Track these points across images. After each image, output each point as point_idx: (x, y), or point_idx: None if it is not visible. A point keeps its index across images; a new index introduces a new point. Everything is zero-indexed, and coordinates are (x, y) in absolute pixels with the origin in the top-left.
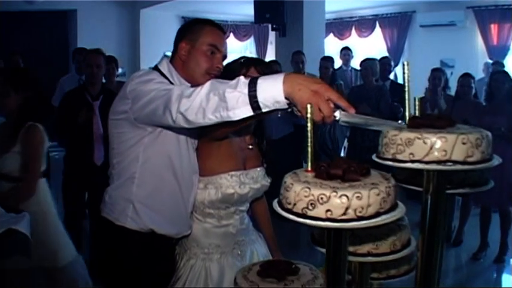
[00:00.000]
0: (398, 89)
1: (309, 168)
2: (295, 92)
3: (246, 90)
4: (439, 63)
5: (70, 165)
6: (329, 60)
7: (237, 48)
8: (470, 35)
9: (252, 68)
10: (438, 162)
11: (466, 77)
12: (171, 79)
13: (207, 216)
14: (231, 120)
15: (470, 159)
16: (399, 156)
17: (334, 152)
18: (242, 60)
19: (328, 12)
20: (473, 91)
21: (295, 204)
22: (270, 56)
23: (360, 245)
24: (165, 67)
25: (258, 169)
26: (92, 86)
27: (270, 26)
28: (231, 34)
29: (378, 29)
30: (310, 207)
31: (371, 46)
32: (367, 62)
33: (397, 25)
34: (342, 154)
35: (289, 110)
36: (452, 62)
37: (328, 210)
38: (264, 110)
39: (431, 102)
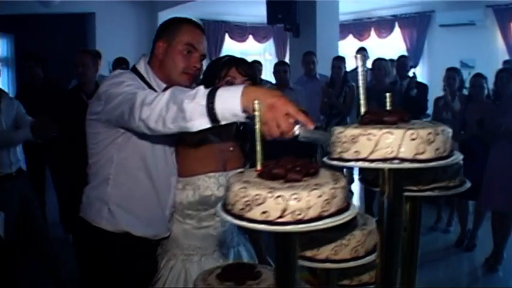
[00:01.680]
0: (419, 89)
1: (258, 168)
2: (252, 106)
3: (204, 102)
4: (459, 64)
5: (64, 163)
6: (341, 60)
7: (256, 50)
8: (490, 34)
9: (233, 69)
10: (384, 160)
11: (478, 77)
12: (148, 79)
13: (186, 217)
14: (189, 131)
15: (420, 157)
16: (345, 155)
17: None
18: (224, 60)
19: (346, 13)
20: (486, 91)
21: (233, 205)
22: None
23: (319, 250)
24: (142, 67)
25: (239, 171)
26: (84, 85)
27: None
28: (250, 36)
29: (397, 30)
30: (246, 208)
31: (390, 47)
32: (378, 62)
33: (416, 25)
34: None
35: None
36: (472, 62)
37: (264, 212)
38: (222, 123)
39: (445, 102)
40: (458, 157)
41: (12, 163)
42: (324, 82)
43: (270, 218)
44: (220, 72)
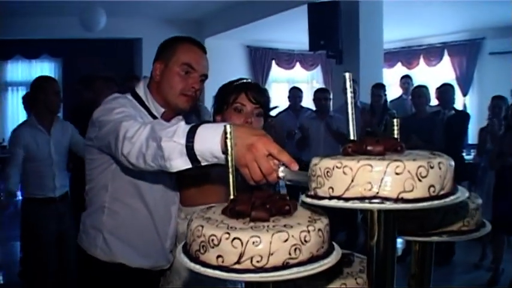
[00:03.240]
0: (461, 119)
1: (231, 196)
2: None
3: (183, 141)
4: (510, 92)
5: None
6: (381, 87)
7: (303, 77)
8: None
9: (243, 95)
10: (361, 198)
11: None
12: (147, 103)
13: None
14: (170, 171)
15: (407, 196)
16: (319, 192)
17: None
18: (234, 84)
19: (394, 40)
20: None
21: (190, 245)
22: None
23: None
24: (141, 90)
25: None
26: None
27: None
28: (297, 63)
29: (446, 58)
30: (201, 250)
31: (439, 75)
32: (418, 89)
33: (466, 53)
34: None
35: None
36: None
37: (219, 256)
38: (203, 164)
39: (490, 132)
40: (460, 196)
41: (57, 188)
42: (364, 110)
43: (226, 264)
44: (229, 97)
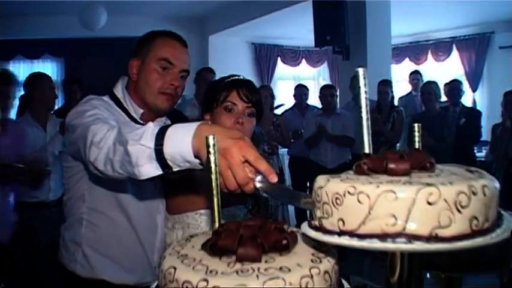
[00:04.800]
0: (470, 114)
1: (216, 224)
2: (204, 152)
3: (151, 144)
4: None
5: None
6: (387, 84)
7: (309, 74)
8: None
9: (234, 93)
10: (382, 236)
11: None
12: (124, 104)
13: None
14: (139, 179)
15: (442, 232)
16: (325, 223)
17: None
18: (225, 81)
19: (402, 35)
20: None
21: None
22: None
23: None
24: (119, 91)
25: (236, 207)
26: None
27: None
28: (303, 60)
29: (455, 52)
30: None
31: (448, 71)
32: (428, 86)
33: (475, 47)
34: None
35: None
36: None
37: None
38: (174, 169)
39: (503, 129)
40: (508, 226)
41: (51, 190)
42: (371, 108)
43: None
44: (219, 95)
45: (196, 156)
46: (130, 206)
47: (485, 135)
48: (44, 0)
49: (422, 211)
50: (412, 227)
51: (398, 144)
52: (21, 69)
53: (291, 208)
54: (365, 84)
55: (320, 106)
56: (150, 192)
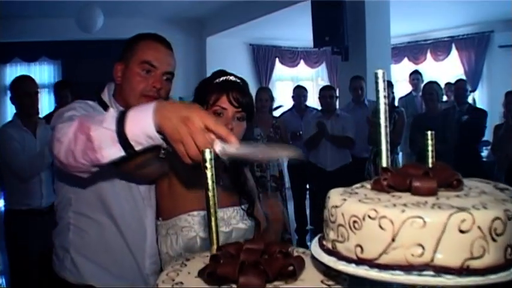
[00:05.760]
0: (478, 116)
1: (214, 247)
2: (165, 123)
3: (113, 126)
4: None
5: None
6: (389, 85)
7: (308, 75)
8: None
9: (224, 97)
10: (406, 268)
11: None
12: (111, 108)
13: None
14: (101, 164)
15: (474, 264)
16: (341, 249)
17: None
18: (214, 83)
19: (400, 35)
20: None
21: None
22: None
23: None
24: (106, 96)
25: (231, 209)
26: None
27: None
28: (302, 61)
29: (454, 52)
30: None
31: (447, 70)
32: (429, 86)
33: (475, 47)
34: None
35: (163, 151)
36: None
37: None
38: (137, 149)
39: (505, 130)
40: None
41: (43, 196)
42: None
43: None
44: (209, 97)
45: (158, 132)
46: (116, 208)
47: (487, 135)
48: (41, 2)
49: (453, 240)
50: (441, 258)
51: (399, 147)
52: (18, 72)
53: (290, 210)
54: (384, 88)
55: (319, 107)
56: (136, 194)
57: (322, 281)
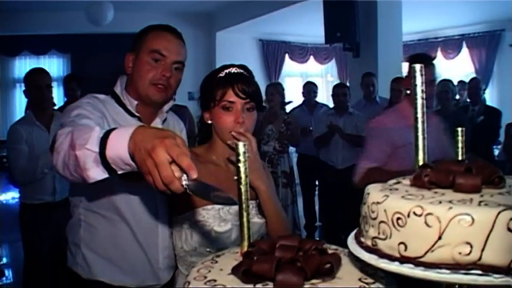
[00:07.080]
0: (492, 114)
1: (244, 249)
2: (135, 152)
3: (96, 148)
4: None
5: None
6: (400, 81)
7: (317, 71)
8: None
9: (230, 90)
10: (453, 267)
11: None
12: (122, 99)
13: (190, 267)
14: (89, 182)
15: None
16: (382, 246)
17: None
18: (218, 78)
19: (411, 32)
20: None
21: None
22: None
23: None
24: (118, 88)
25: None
26: None
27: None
28: (311, 57)
29: (464, 50)
30: None
31: (458, 68)
32: (445, 84)
33: (485, 45)
34: None
35: None
36: None
37: None
38: (119, 172)
39: None
40: None
41: (57, 191)
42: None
43: None
44: (215, 93)
45: (133, 159)
46: (126, 206)
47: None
48: None
49: (501, 238)
50: (488, 257)
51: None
52: (27, 65)
53: (300, 207)
54: (422, 83)
55: (328, 104)
56: (146, 191)
57: (360, 279)
